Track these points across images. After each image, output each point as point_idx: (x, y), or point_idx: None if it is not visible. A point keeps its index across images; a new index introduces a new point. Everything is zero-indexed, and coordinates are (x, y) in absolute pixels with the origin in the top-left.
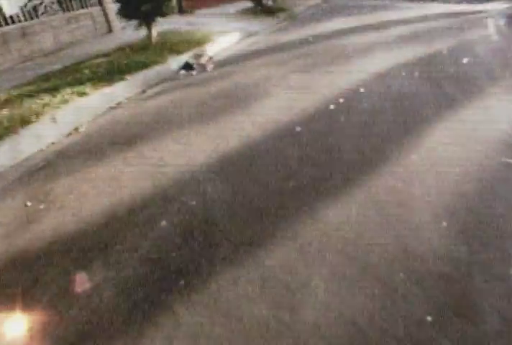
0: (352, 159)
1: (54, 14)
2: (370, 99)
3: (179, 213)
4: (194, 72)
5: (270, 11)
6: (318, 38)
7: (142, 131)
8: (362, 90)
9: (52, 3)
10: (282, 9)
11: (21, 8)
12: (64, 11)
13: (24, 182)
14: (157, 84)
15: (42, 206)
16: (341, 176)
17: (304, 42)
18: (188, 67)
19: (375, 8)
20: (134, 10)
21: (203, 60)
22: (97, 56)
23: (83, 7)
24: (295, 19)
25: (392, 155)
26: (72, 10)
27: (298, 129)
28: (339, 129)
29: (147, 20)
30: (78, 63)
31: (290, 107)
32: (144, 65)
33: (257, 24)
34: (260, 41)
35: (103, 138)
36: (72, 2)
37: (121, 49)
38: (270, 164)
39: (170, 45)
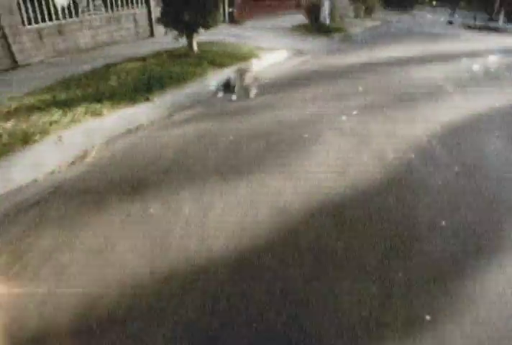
0: (431, 276)
1: (95, 13)
2: (445, 168)
3: (174, 334)
4: (234, 97)
5: (324, 30)
6: (377, 67)
7: (155, 176)
8: (431, 150)
9: None
10: (338, 29)
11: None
12: (107, 9)
13: (2, 228)
14: (187, 107)
15: (10, 275)
16: (410, 302)
17: (361, 70)
18: (228, 87)
19: (435, 36)
20: (176, 18)
21: (246, 80)
22: (131, 59)
23: (128, 6)
24: (351, 41)
25: (490, 270)
26: (116, 9)
27: (351, 206)
28: (404, 214)
29: (188, 31)
30: (109, 66)
31: (343, 167)
32: (179, 79)
33: (309, 43)
34: (312, 63)
35: (107, 176)
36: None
37: (158, 54)
38: (307, 266)
39: (212, 57)
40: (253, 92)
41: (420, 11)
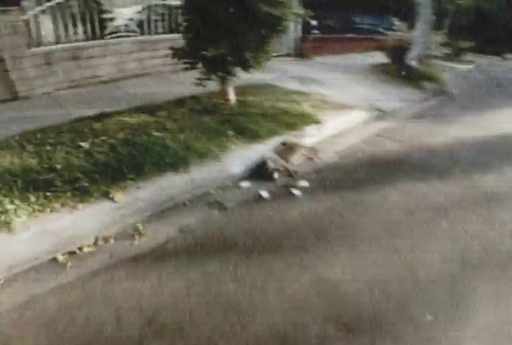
0: None
1: (127, 35)
2: None
3: None
4: (265, 194)
5: (412, 76)
6: (501, 151)
7: None
8: None
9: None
10: (428, 76)
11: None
12: (142, 31)
13: None
14: (176, 213)
15: None
16: None
17: (477, 157)
18: (262, 171)
19: None
20: (199, 53)
21: (294, 160)
22: (139, 108)
23: (172, 32)
24: (447, 95)
25: None
26: (155, 32)
27: None
28: None
29: (219, 72)
30: (102, 116)
31: None
32: (179, 162)
33: (392, 95)
34: (397, 137)
35: None
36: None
37: (181, 103)
38: None
39: (249, 118)
40: (300, 185)
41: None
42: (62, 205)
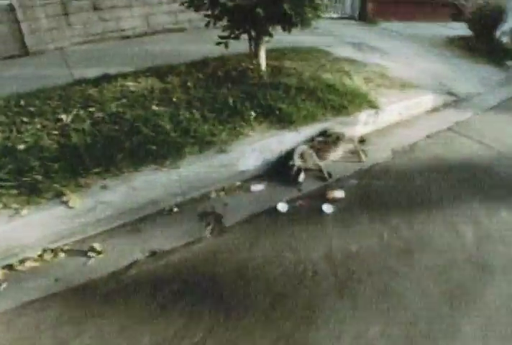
0: None
1: None
2: None
3: None
4: (283, 206)
5: (498, 54)
6: None
7: None
8: None
9: None
10: None
11: None
12: None
13: None
14: (152, 222)
15: None
16: None
17: None
18: (284, 173)
19: None
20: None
21: (333, 158)
22: (149, 70)
23: None
24: None
25: None
26: None
27: None
28: None
29: (248, 29)
30: (101, 81)
31: None
32: (169, 151)
33: (470, 75)
34: (475, 130)
35: None
36: None
37: (201, 65)
38: None
39: (281, 93)
40: (333, 196)
41: None
42: (5, 206)
